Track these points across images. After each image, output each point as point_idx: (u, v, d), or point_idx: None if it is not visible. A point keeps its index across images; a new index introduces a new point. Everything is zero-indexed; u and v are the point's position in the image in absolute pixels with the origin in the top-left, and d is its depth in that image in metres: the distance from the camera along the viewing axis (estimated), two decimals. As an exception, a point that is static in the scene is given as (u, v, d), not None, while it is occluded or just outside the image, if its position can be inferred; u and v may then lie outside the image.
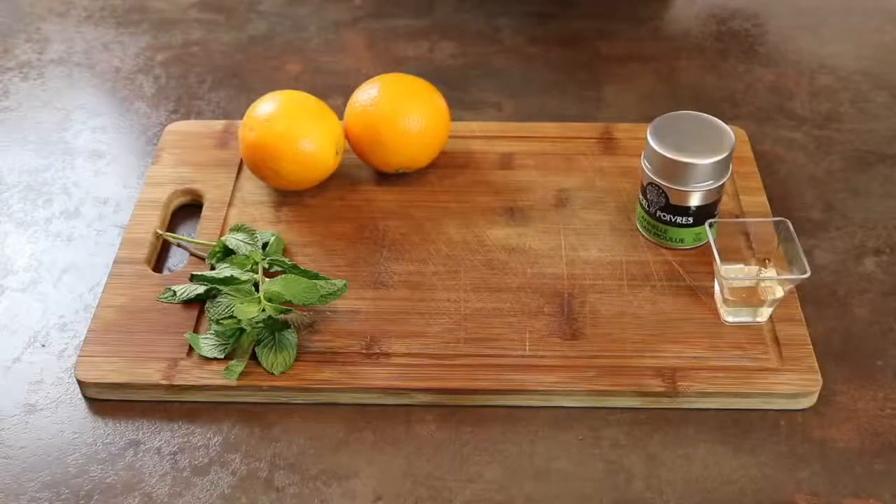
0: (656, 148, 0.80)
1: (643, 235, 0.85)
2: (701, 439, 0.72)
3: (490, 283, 0.81)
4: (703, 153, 0.79)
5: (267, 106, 0.86)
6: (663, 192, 0.81)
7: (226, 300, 0.77)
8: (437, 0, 1.16)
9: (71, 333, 0.80)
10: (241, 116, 0.88)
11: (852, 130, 0.99)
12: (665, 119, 0.83)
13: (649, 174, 0.81)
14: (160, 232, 0.86)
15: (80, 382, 0.75)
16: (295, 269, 0.79)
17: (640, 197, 0.84)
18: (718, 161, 0.79)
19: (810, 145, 0.97)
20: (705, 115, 0.83)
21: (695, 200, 0.81)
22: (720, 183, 0.81)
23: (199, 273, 0.80)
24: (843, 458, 0.71)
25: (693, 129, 0.82)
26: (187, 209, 0.90)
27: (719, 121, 0.82)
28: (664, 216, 0.82)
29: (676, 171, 0.79)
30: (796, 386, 0.73)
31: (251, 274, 0.79)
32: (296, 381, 0.74)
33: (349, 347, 0.76)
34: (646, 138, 0.81)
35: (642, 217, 0.84)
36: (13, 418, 0.74)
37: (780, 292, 0.76)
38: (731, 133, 0.81)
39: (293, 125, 0.85)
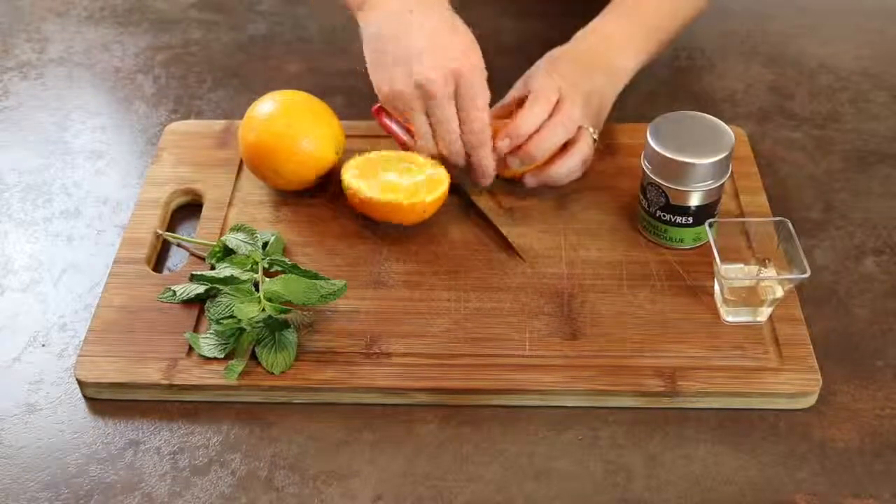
0: (656, 148, 0.80)
1: (643, 235, 0.85)
2: (701, 439, 0.72)
3: (490, 283, 0.81)
4: (703, 153, 0.79)
5: (267, 106, 0.86)
6: (663, 192, 0.81)
7: (226, 300, 0.77)
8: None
9: (71, 333, 0.80)
10: (241, 116, 0.88)
11: (852, 130, 0.99)
12: (665, 119, 0.83)
13: (649, 174, 0.81)
14: (160, 232, 0.86)
15: (79, 382, 0.75)
16: (295, 269, 0.79)
17: (641, 197, 0.84)
18: (718, 161, 0.79)
19: (810, 145, 0.97)
20: (705, 115, 0.83)
21: (695, 200, 0.81)
22: (720, 183, 0.81)
23: (199, 273, 0.80)
24: (843, 457, 0.71)
25: (693, 129, 0.82)
26: (187, 209, 0.90)
27: (719, 121, 0.82)
28: (664, 216, 0.82)
29: (676, 170, 0.79)
30: (796, 386, 0.73)
31: (251, 274, 0.79)
32: (296, 380, 0.74)
33: (349, 347, 0.76)
34: (646, 138, 0.81)
35: (642, 217, 0.84)
36: (13, 418, 0.74)
37: (779, 292, 0.76)
38: (731, 133, 0.81)
39: (293, 125, 0.85)
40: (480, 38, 0.84)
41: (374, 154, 0.86)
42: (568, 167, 0.86)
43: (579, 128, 0.86)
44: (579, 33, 0.92)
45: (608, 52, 0.90)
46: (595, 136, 0.88)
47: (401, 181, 0.83)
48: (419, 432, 0.73)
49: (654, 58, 0.94)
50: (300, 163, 0.86)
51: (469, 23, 0.85)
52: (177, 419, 0.74)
